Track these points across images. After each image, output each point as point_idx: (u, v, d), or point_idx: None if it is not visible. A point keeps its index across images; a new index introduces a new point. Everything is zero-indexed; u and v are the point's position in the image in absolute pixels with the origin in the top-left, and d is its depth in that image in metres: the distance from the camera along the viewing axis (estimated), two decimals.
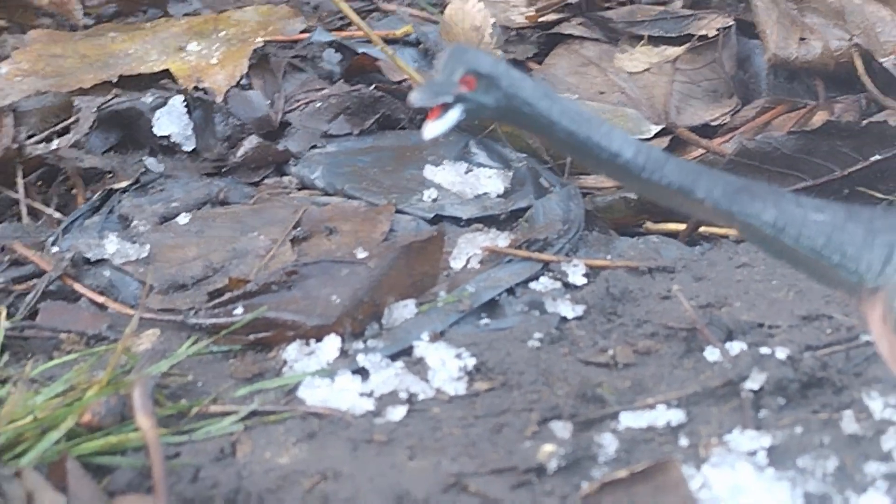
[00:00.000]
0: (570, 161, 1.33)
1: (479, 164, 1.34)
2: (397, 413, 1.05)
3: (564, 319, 1.15)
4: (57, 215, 1.30)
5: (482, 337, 1.13)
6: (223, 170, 1.36)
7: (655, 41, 1.49)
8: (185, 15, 1.56)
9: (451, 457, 1.00)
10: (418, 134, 1.36)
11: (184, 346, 1.11)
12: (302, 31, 1.49)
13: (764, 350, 1.09)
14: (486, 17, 1.40)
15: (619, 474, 0.94)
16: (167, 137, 1.37)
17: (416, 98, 0.90)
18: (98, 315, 1.17)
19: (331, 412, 1.05)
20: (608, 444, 1.01)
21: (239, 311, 1.13)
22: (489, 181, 1.32)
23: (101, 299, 1.19)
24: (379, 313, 1.14)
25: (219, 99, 1.38)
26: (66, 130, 1.37)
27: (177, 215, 1.28)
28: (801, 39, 1.43)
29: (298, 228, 1.25)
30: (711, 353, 1.10)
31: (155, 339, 1.14)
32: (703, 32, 1.48)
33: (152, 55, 1.45)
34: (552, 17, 1.53)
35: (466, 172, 1.33)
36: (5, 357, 1.11)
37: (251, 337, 1.12)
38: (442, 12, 1.50)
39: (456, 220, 1.28)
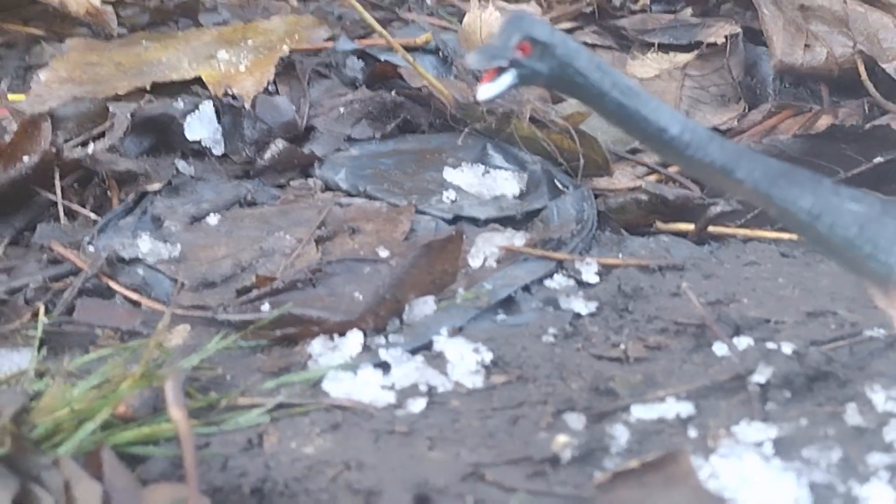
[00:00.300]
0: (583, 164, 1.35)
1: (496, 167, 1.36)
2: (417, 405, 1.06)
3: (578, 316, 1.17)
4: (93, 216, 1.31)
5: (499, 332, 1.15)
6: (251, 172, 1.37)
7: (666, 48, 1.51)
8: (215, 24, 1.57)
9: (470, 447, 1.02)
10: (438, 138, 1.41)
11: (213, 341, 1.12)
12: (326, 40, 1.50)
13: (771, 345, 1.10)
14: None
15: (631, 465, 0.95)
16: (198, 142, 1.38)
17: (472, 60, 0.91)
18: (132, 311, 1.19)
19: (354, 404, 1.06)
20: (620, 435, 1.02)
21: (266, 307, 1.15)
22: (506, 183, 1.34)
23: (135, 296, 1.20)
24: (400, 309, 1.15)
25: (247, 105, 1.39)
26: (101, 135, 1.38)
27: (207, 216, 1.30)
28: (807, 46, 1.44)
29: (323, 228, 1.27)
30: (720, 348, 1.11)
31: (186, 334, 1.16)
32: (711, 40, 1.49)
33: (184, 63, 1.46)
34: (566, 25, 1.55)
35: (484, 174, 1.35)
36: (44, 351, 1.13)
37: (278, 332, 1.14)
38: (460, 21, 1.51)
39: (474, 221, 1.29)
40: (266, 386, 1.09)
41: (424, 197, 1.33)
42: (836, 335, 1.13)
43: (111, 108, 1.39)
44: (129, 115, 1.37)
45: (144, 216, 1.31)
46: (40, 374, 1.09)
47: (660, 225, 1.32)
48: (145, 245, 1.25)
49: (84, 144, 1.37)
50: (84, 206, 1.32)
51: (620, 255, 1.25)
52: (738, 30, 1.51)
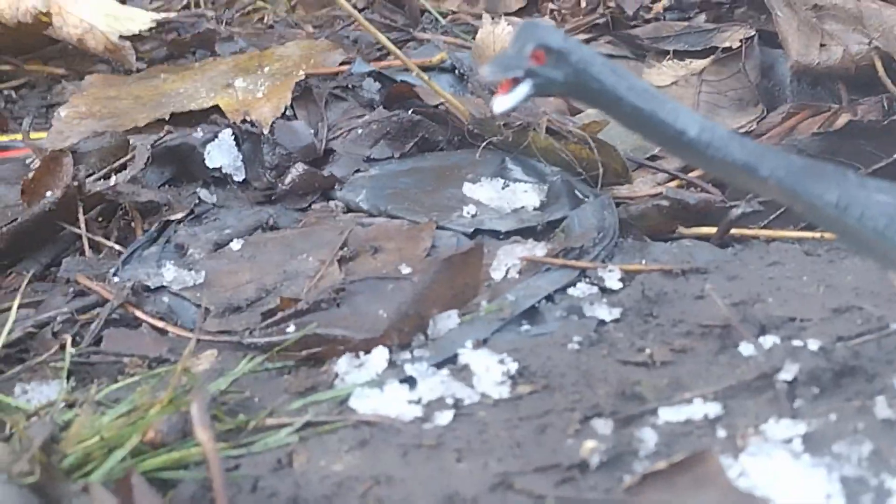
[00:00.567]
0: (602, 172, 1.35)
1: (516, 180, 1.36)
2: (444, 418, 1.06)
3: (602, 322, 1.17)
4: (117, 247, 1.32)
5: (524, 342, 1.15)
6: (272, 197, 1.38)
7: (681, 55, 1.51)
8: (232, 54, 1.58)
9: (498, 457, 1.01)
10: (457, 154, 1.41)
11: (240, 364, 1.13)
12: (342, 63, 1.51)
13: (797, 342, 1.10)
14: None
15: (659, 466, 0.95)
16: (218, 169, 1.40)
17: (487, 72, 0.90)
18: (159, 339, 1.20)
19: (381, 420, 1.07)
20: (648, 438, 1.02)
21: (291, 329, 1.16)
22: (525, 195, 1.34)
23: (161, 324, 1.21)
24: (424, 325, 1.15)
25: (266, 130, 1.40)
26: (123, 167, 1.39)
27: (230, 242, 1.31)
28: (822, 46, 1.44)
29: (345, 249, 1.27)
30: (746, 348, 1.11)
31: (213, 359, 1.16)
32: (726, 44, 1.50)
33: (202, 93, 1.48)
34: (581, 37, 1.55)
35: (503, 188, 1.35)
36: (72, 382, 1.14)
37: (304, 353, 1.14)
38: (475, 38, 1.52)
39: (495, 234, 1.29)
40: (293, 406, 1.09)
41: (445, 213, 1.33)
42: (863, 330, 1.12)
43: (132, 141, 1.40)
44: (149, 147, 1.38)
45: (168, 245, 1.32)
46: (70, 405, 1.10)
47: (682, 230, 1.32)
48: (170, 273, 1.26)
49: (106, 177, 1.38)
50: (108, 239, 1.34)
51: (643, 262, 1.25)
52: (753, 33, 1.51)
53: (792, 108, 1.44)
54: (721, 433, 1.02)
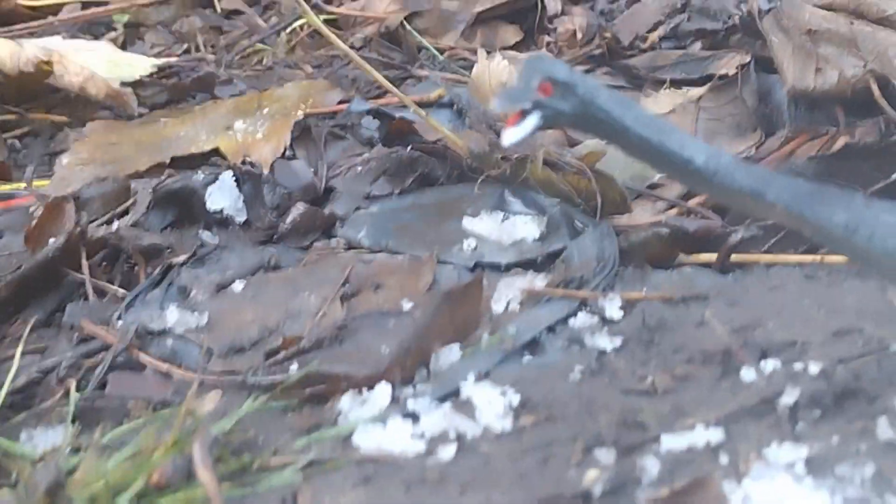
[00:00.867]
0: (601, 202, 1.35)
1: (515, 212, 1.36)
2: (448, 452, 1.06)
3: (604, 352, 1.17)
4: (121, 292, 1.33)
5: (525, 374, 1.15)
6: (274, 237, 1.39)
7: (678, 83, 1.52)
8: (232, 96, 1.59)
9: (501, 490, 1.01)
10: (456, 188, 1.42)
11: (244, 404, 1.13)
12: (340, 102, 1.52)
13: (798, 366, 1.10)
14: (511, 73, 1.43)
15: (661, 493, 0.95)
16: (220, 211, 1.40)
17: (496, 105, 0.91)
18: (163, 382, 1.20)
19: (384, 456, 1.07)
20: (651, 466, 1.01)
21: (294, 367, 1.16)
22: (525, 227, 1.34)
23: (165, 367, 1.21)
24: (426, 359, 1.16)
25: (266, 171, 1.41)
26: (125, 212, 1.40)
27: (232, 283, 1.31)
28: (818, 70, 1.44)
29: (347, 286, 1.28)
30: (747, 374, 1.11)
31: (217, 400, 1.16)
32: (723, 71, 1.50)
33: (202, 135, 1.48)
34: (578, 68, 1.56)
35: (503, 221, 1.35)
36: (78, 427, 1.13)
37: (307, 391, 1.14)
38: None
39: (496, 267, 1.30)
40: (297, 444, 1.09)
41: (446, 247, 1.33)
42: (864, 351, 1.12)
43: (133, 185, 1.41)
44: (150, 191, 1.39)
45: (171, 288, 1.32)
46: (75, 450, 1.10)
47: (683, 257, 1.32)
48: (173, 316, 1.27)
49: (109, 223, 1.39)
50: (112, 283, 1.34)
51: (644, 290, 1.25)
52: (749, 59, 1.52)
53: (790, 132, 1.45)
54: (724, 459, 1.02)
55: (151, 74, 1.62)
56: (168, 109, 1.59)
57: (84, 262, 1.33)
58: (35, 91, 1.63)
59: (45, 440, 1.13)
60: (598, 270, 1.27)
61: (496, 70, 1.43)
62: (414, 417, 1.10)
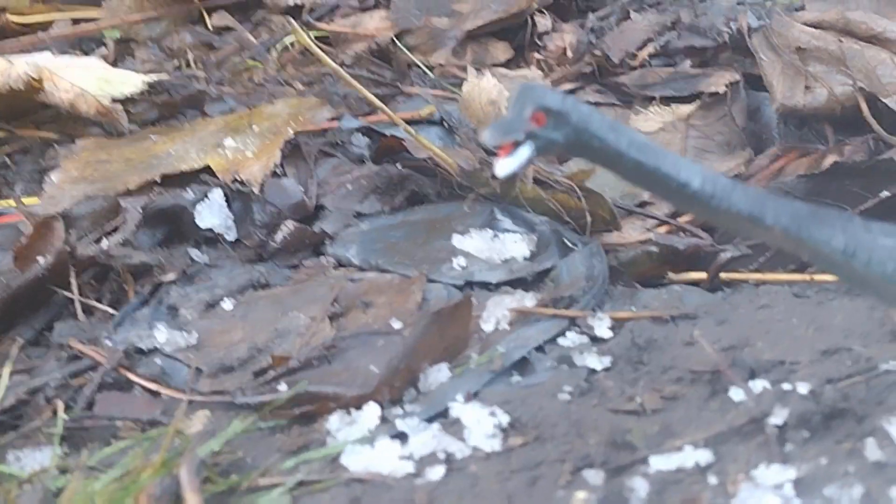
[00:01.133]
0: (590, 221, 1.35)
1: (505, 230, 1.36)
2: (436, 473, 1.06)
3: (593, 371, 1.17)
4: (110, 311, 1.31)
5: (514, 394, 1.15)
6: (264, 255, 1.38)
7: (668, 101, 1.52)
8: (222, 113, 1.59)
9: None
10: (446, 206, 1.42)
11: (233, 424, 1.13)
12: (330, 120, 1.51)
13: (786, 386, 1.10)
14: (501, 92, 1.42)
15: None
16: (210, 229, 1.39)
17: (487, 137, 0.91)
18: (152, 401, 1.20)
19: (373, 476, 1.06)
20: (639, 487, 1.02)
21: (283, 387, 1.16)
22: (515, 245, 1.34)
23: (154, 386, 1.21)
24: (415, 379, 1.16)
25: (256, 189, 1.40)
26: (114, 230, 1.39)
27: (221, 301, 1.31)
28: (807, 88, 1.45)
29: (336, 305, 1.27)
30: (736, 393, 1.11)
31: (206, 420, 1.16)
32: (712, 89, 1.50)
33: (192, 153, 1.48)
34: (568, 86, 1.56)
35: (493, 239, 1.35)
36: (65, 448, 1.13)
37: (296, 411, 1.14)
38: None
39: (485, 285, 1.30)
40: (286, 465, 1.09)
41: (435, 266, 1.33)
42: (852, 371, 1.12)
43: (122, 203, 1.40)
44: (140, 209, 1.38)
45: (160, 306, 1.32)
46: (63, 471, 1.10)
47: (672, 276, 1.32)
48: (162, 335, 1.26)
49: (98, 241, 1.38)
50: (101, 302, 1.33)
51: (633, 308, 1.25)
52: (738, 77, 1.52)
53: (779, 150, 1.45)
54: (712, 480, 1.02)
55: (142, 91, 1.61)
56: (158, 126, 1.58)
57: (73, 281, 1.33)
58: (25, 108, 1.62)
59: (32, 461, 1.13)
60: (587, 289, 1.27)
61: (486, 87, 1.43)
62: (402, 438, 1.10)
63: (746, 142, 1.48)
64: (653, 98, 1.53)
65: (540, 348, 1.21)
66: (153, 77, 1.64)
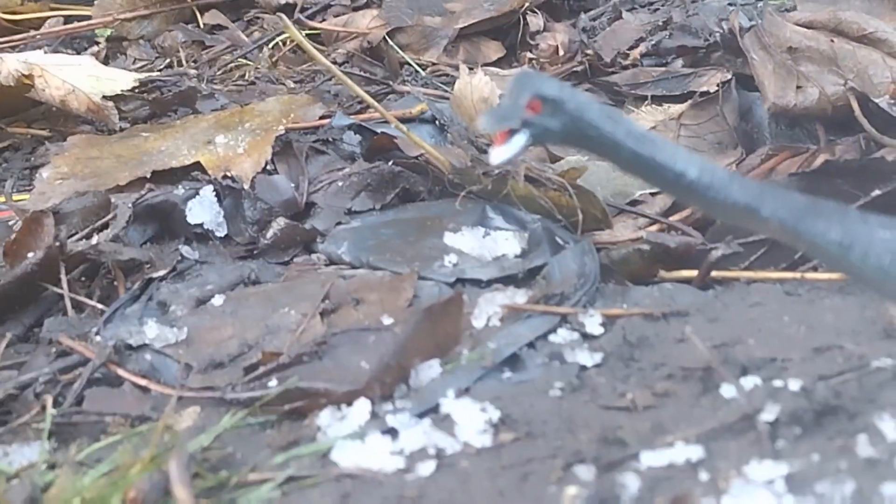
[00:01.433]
0: (582, 218, 1.35)
1: (497, 228, 1.36)
2: (427, 469, 1.06)
3: (584, 368, 1.17)
4: (100, 306, 1.31)
5: (505, 390, 1.15)
6: (254, 252, 1.38)
7: (659, 100, 1.52)
8: (213, 110, 1.59)
9: None
10: (438, 204, 1.41)
11: (223, 420, 1.13)
12: (322, 117, 1.52)
13: (778, 383, 1.10)
14: (492, 89, 1.43)
15: None
16: (200, 225, 1.39)
17: (483, 124, 0.89)
18: (141, 397, 1.19)
19: (363, 472, 1.06)
20: (631, 483, 1.02)
21: (273, 383, 1.16)
22: (506, 243, 1.34)
23: (143, 382, 1.21)
24: (406, 375, 1.15)
25: (247, 186, 1.41)
26: (105, 227, 1.39)
27: (212, 298, 1.30)
28: (798, 87, 1.45)
29: (327, 302, 1.27)
30: (727, 390, 1.11)
31: (196, 415, 1.15)
32: (704, 89, 1.51)
33: (183, 150, 1.48)
34: None
35: (484, 236, 1.35)
36: (54, 443, 1.13)
37: (286, 407, 1.14)
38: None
39: (477, 283, 1.29)
40: (276, 461, 1.09)
41: (427, 263, 1.33)
42: (844, 368, 1.12)
43: (113, 200, 1.40)
44: (130, 205, 1.38)
45: (150, 302, 1.31)
46: (51, 466, 1.09)
47: (663, 274, 1.32)
48: (152, 331, 1.26)
49: (88, 237, 1.38)
50: (91, 298, 1.33)
51: (624, 306, 1.25)
52: (730, 77, 1.52)
53: (770, 149, 1.45)
54: (703, 476, 1.02)
55: (133, 89, 1.62)
56: (149, 124, 1.58)
57: (63, 277, 1.32)
58: (16, 105, 1.63)
59: (20, 456, 1.13)
60: (578, 286, 1.27)
61: (478, 86, 1.43)
62: (393, 433, 1.10)
63: (738, 141, 1.49)
64: (644, 97, 1.53)
65: (531, 345, 1.20)
66: (144, 75, 1.64)
